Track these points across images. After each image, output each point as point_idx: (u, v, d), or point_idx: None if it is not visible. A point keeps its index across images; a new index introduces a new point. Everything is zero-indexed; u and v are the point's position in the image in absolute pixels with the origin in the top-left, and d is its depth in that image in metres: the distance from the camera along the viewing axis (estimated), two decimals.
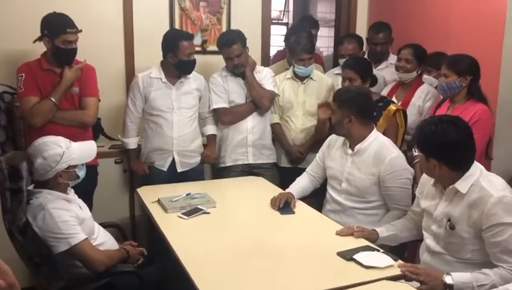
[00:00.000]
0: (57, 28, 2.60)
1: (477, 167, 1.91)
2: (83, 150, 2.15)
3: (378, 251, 1.99)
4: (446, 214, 1.93)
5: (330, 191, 2.60)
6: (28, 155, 2.03)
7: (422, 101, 3.02)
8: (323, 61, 4.36)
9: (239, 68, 3.10)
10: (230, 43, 3.05)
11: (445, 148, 1.88)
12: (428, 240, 2.04)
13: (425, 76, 3.17)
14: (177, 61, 2.94)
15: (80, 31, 2.67)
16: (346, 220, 2.47)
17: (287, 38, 3.72)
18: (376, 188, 2.42)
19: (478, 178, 1.87)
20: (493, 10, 2.97)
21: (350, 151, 2.49)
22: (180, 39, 2.92)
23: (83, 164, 2.16)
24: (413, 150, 2.02)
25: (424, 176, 2.11)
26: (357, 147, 2.45)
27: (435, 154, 1.89)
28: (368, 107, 2.51)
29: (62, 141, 2.06)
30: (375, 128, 2.51)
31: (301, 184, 2.71)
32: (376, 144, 2.43)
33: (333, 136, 2.65)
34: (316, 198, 2.75)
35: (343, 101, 2.44)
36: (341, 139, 2.56)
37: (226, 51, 3.09)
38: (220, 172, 3.28)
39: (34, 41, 2.66)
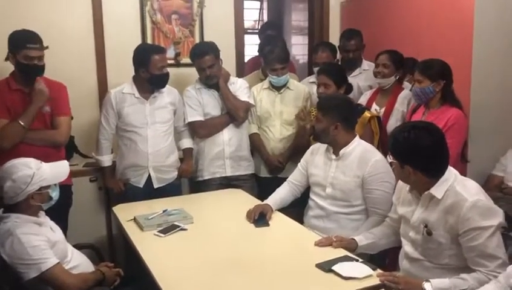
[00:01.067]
0: (18, 43, 2.55)
1: (451, 172, 1.92)
2: (55, 170, 2.09)
3: (357, 260, 1.98)
4: (423, 220, 1.93)
5: (314, 198, 2.59)
6: None
7: (405, 106, 3.04)
8: (295, 69, 4.37)
9: (211, 79, 3.08)
10: (203, 54, 3.04)
11: (418, 154, 1.88)
12: (407, 247, 2.03)
13: (405, 82, 3.20)
14: (149, 76, 2.90)
15: (46, 48, 2.60)
16: (329, 225, 2.48)
17: (260, 47, 3.72)
18: (360, 191, 2.43)
19: (453, 183, 1.88)
20: (462, 15, 3.02)
21: (333, 156, 2.50)
22: (151, 53, 2.89)
23: (56, 185, 2.09)
24: (388, 156, 2.03)
25: (400, 182, 2.12)
26: (341, 152, 2.47)
27: (409, 161, 1.90)
28: (353, 114, 2.56)
29: (32, 162, 2.01)
30: (357, 135, 2.53)
31: (280, 195, 2.69)
32: (359, 148, 2.46)
33: (316, 144, 2.66)
34: (296, 208, 2.73)
35: (329, 109, 2.45)
36: (324, 146, 2.58)
37: (198, 62, 3.07)
38: (198, 186, 3.24)
39: (6, 60, 2.61)
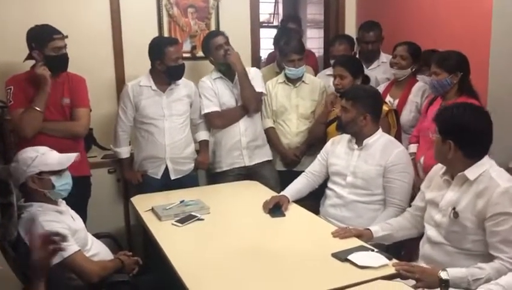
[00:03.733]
0: (44, 37, 2.60)
1: (489, 160, 1.92)
2: (62, 160, 2.08)
3: (372, 250, 1.98)
4: (453, 202, 1.93)
5: (333, 187, 2.60)
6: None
7: (419, 98, 3.04)
8: (317, 62, 4.36)
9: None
10: (216, 35, 3.13)
11: (464, 131, 1.88)
12: (430, 231, 2.03)
13: (418, 75, 3.19)
14: (165, 68, 2.93)
15: (66, 36, 2.67)
16: (347, 214, 2.50)
17: (276, 40, 3.72)
18: (381, 180, 2.45)
19: (488, 169, 1.88)
20: (479, 5, 2.98)
21: (356, 146, 2.53)
22: (165, 45, 2.92)
23: (61, 175, 2.07)
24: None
25: (433, 170, 2.13)
26: (364, 142, 2.49)
27: (453, 136, 1.89)
28: (381, 106, 2.58)
29: (42, 149, 2.05)
30: (380, 127, 2.55)
31: (296, 186, 2.71)
32: (383, 139, 2.50)
33: (337, 137, 2.68)
34: (313, 200, 2.74)
35: (359, 99, 2.47)
36: (346, 137, 2.60)
37: (213, 42, 3.10)
38: (216, 177, 3.27)
39: (24, 61, 2.66)
